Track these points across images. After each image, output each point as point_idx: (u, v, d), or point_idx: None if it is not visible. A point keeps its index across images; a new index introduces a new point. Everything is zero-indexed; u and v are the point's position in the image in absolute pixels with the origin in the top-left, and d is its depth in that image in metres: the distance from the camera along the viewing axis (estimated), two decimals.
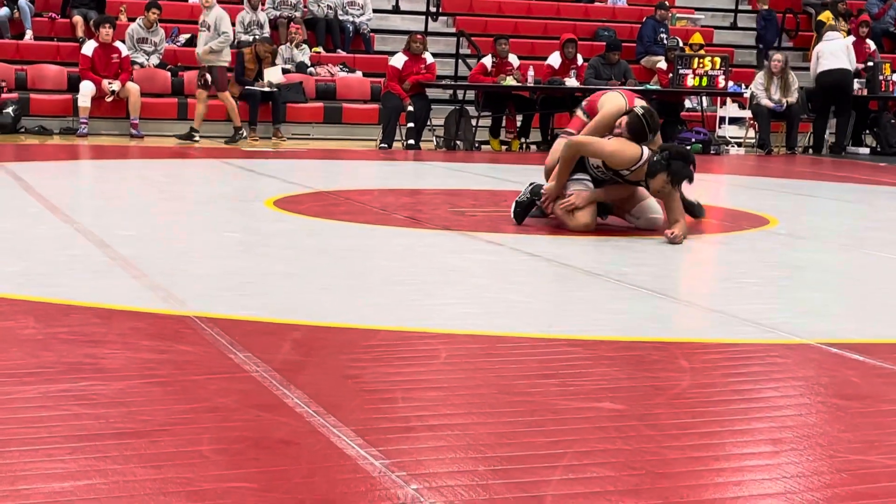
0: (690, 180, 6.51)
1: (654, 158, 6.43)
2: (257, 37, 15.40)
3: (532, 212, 7.07)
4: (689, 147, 14.69)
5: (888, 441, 3.02)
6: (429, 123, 14.56)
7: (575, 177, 6.84)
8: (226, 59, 14.11)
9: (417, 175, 11.77)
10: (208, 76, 13.92)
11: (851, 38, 17.23)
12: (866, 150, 16.16)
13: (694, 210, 7.37)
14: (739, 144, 15.92)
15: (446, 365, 3.74)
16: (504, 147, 14.68)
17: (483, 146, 14.65)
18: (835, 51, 15.38)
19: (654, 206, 6.84)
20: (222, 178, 10.36)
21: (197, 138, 13.98)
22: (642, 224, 6.82)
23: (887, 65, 16.67)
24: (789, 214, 8.50)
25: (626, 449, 2.88)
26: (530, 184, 7.12)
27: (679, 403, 3.34)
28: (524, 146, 14.81)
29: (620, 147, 6.58)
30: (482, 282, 5.29)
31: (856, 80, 16.34)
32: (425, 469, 2.68)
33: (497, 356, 3.84)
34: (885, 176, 12.46)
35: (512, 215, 7.06)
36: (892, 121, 16.27)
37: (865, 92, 16.30)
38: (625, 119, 6.66)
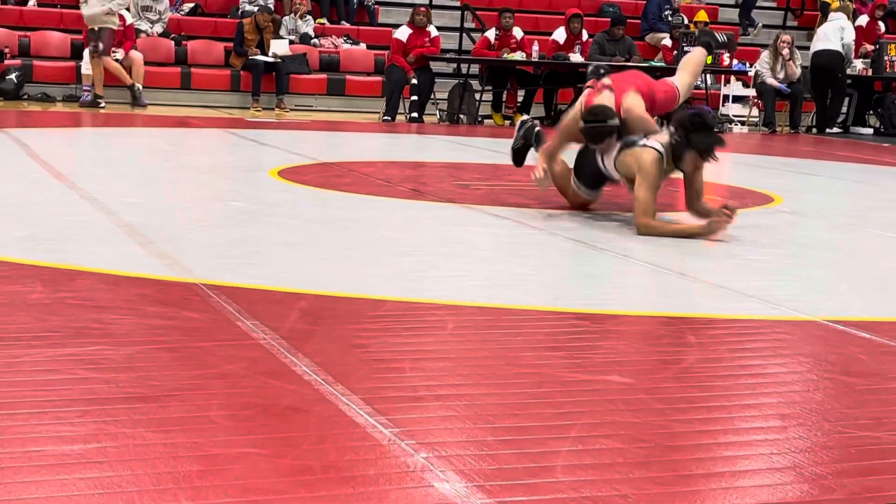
0: (721, 144, 5.90)
1: (673, 141, 5.88)
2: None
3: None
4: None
5: (895, 418, 3.02)
6: (432, 97, 14.53)
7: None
8: (115, 21, 13.66)
9: (420, 148, 11.75)
10: (100, 43, 13.47)
11: (865, 18, 17.20)
12: (870, 130, 16.14)
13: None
14: (743, 123, 15.89)
15: (453, 336, 3.74)
16: (507, 122, 14.66)
17: (486, 120, 14.62)
18: (828, 32, 15.44)
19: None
20: (226, 148, 10.35)
21: (102, 104, 13.69)
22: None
23: (892, 45, 16.62)
24: (794, 193, 8.49)
25: (635, 422, 2.88)
26: (520, 125, 6.99)
27: (686, 378, 3.34)
28: None
29: (645, 176, 5.89)
30: (488, 254, 5.29)
31: (861, 60, 16.30)
32: (434, 438, 2.68)
33: (504, 328, 3.84)
34: (888, 156, 12.44)
35: (511, 160, 7.04)
36: None
37: (870, 72, 16.27)
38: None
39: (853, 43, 15.53)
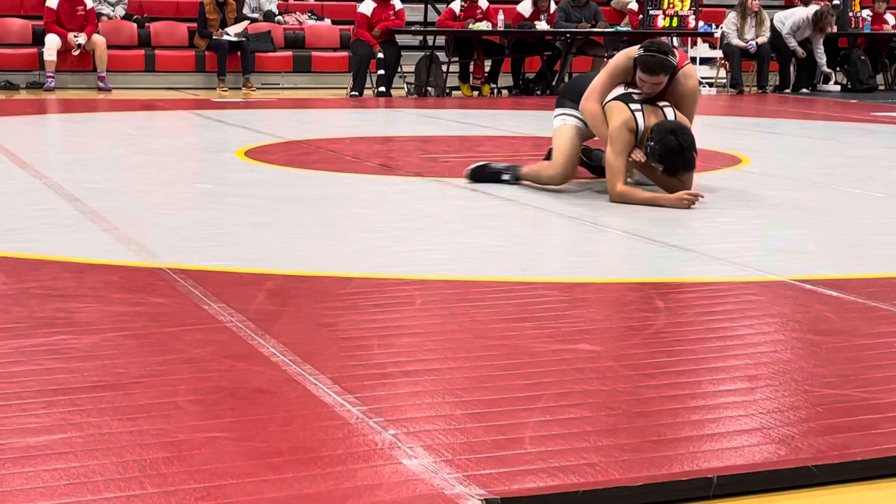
0: (690, 169, 5.83)
1: (648, 148, 5.76)
2: None
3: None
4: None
5: (863, 375, 3.03)
6: (399, 70, 14.48)
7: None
8: None
9: (389, 122, 11.72)
10: None
11: None
12: (837, 88, 16.17)
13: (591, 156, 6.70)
14: (710, 84, 15.91)
15: (421, 311, 3.73)
16: (475, 92, 14.63)
17: (454, 92, 14.59)
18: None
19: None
20: (192, 130, 10.28)
21: None
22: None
23: (856, 1, 16.64)
24: (761, 153, 8.50)
25: (603, 389, 2.88)
26: (509, 168, 6.46)
27: (655, 343, 3.34)
28: (495, 91, 14.75)
29: (613, 138, 5.82)
30: (456, 227, 5.28)
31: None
32: (403, 414, 2.68)
33: (472, 301, 3.83)
34: (855, 112, 12.48)
35: (470, 171, 6.50)
36: (862, 57, 16.28)
37: (835, 29, 16.29)
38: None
39: (790, 22, 15.47)
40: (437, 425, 2.60)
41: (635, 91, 5.96)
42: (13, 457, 2.38)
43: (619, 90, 6.00)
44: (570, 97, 6.29)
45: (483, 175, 6.49)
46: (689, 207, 5.72)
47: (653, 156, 5.79)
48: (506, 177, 6.44)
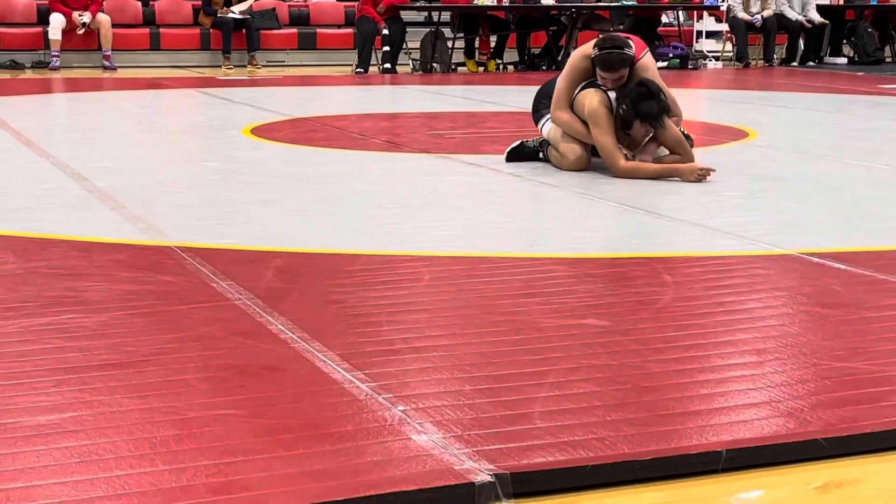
0: (667, 112, 5.81)
1: (620, 112, 5.81)
2: None
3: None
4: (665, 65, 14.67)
5: (871, 348, 3.03)
6: (404, 46, 14.44)
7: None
8: None
9: (394, 99, 11.70)
10: None
11: None
12: (844, 60, 16.11)
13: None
14: (717, 58, 15.85)
15: (430, 287, 3.74)
16: (480, 68, 14.59)
17: (459, 68, 14.55)
18: None
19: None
20: (198, 108, 10.28)
21: None
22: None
23: None
24: (769, 127, 8.48)
25: (612, 364, 2.88)
26: (542, 144, 6.41)
27: (663, 317, 3.34)
28: (501, 67, 14.71)
29: (596, 120, 5.87)
30: (463, 203, 5.27)
31: None
32: (412, 391, 2.68)
33: (480, 277, 3.83)
34: (862, 85, 12.44)
35: (507, 151, 6.44)
36: (869, 30, 16.21)
37: (842, 1, 16.22)
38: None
39: None
40: (446, 401, 2.61)
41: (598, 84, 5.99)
42: (24, 435, 2.39)
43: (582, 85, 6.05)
44: (546, 106, 6.28)
45: (520, 155, 6.42)
46: (702, 181, 5.72)
47: (629, 115, 5.76)
48: (542, 155, 6.40)
